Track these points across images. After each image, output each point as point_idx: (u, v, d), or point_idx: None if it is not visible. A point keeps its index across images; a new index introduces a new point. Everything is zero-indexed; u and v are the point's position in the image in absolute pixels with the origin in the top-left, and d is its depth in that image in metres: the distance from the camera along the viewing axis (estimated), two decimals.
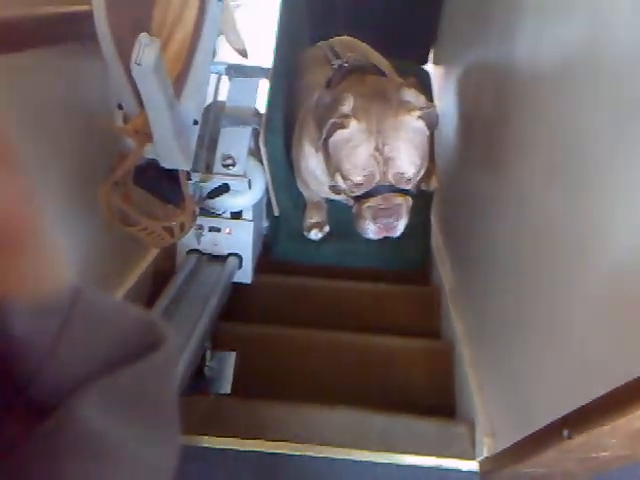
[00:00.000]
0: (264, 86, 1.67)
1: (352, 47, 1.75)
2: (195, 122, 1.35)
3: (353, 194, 1.31)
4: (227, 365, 1.66)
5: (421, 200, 1.82)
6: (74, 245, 1.43)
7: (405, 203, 1.29)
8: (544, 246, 1.05)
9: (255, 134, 1.64)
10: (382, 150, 1.21)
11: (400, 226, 1.32)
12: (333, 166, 1.32)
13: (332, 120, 1.24)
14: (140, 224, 1.38)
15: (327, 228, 1.93)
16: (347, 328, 1.76)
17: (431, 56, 2.54)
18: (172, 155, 1.25)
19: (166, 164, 1.29)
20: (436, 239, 2.08)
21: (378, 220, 1.28)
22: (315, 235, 1.92)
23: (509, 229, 1.27)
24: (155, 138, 1.22)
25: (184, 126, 1.29)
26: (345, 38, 1.86)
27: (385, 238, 1.86)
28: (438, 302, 1.89)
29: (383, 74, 1.50)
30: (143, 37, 1.02)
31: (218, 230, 1.74)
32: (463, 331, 1.58)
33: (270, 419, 1.42)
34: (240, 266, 1.77)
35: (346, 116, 1.23)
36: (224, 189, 1.51)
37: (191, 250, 1.74)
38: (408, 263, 1.95)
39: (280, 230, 1.94)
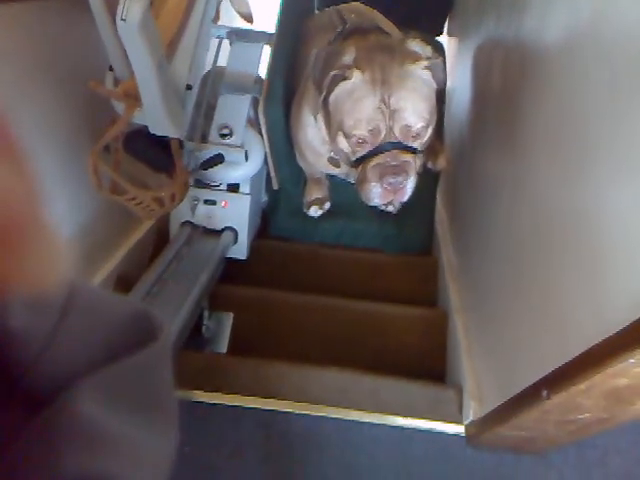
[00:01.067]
0: (267, 52, 1.59)
1: (360, 13, 1.66)
2: (188, 87, 1.28)
3: (356, 155, 1.21)
4: (224, 325, 1.67)
5: (427, 179, 1.75)
6: (70, 210, 1.39)
7: (413, 161, 1.18)
8: (531, 221, 1.09)
9: (255, 103, 1.56)
10: (388, 102, 1.11)
11: (409, 187, 1.20)
12: (335, 125, 1.22)
13: (333, 73, 1.15)
14: (128, 193, 1.32)
15: (328, 205, 1.86)
16: (345, 294, 1.74)
17: (446, 27, 2.44)
18: (161, 121, 1.18)
19: (155, 130, 1.22)
20: (439, 213, 2.05)
21: (385, 179, 1.16)
22: (315, 212, 1.85)
23: (506, 207, 1.27)
24: (143, 102, 1.14)
25: (176, 91, 1.22)
26: (354, 4, 1.75)
27: (387, 217, 1.81)
28: (436, 272, 1.87)
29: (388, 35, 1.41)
30: None
31: (214, 203, 1.67)
32: (457, 301, 1.60)
33: (263, 377, 1.44)
34: (235, 241, 1.71)
35: (348, 67, 1.14)
36: (218, 160, 1.44)
37: (185, 222, 1.68)
38: (410, 245, 1.88)
39: (279, 205, 1.87)
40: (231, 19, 1.72)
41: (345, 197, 1.82)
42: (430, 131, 1.23)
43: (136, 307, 0.47)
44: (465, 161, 1.78)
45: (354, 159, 1.23)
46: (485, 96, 1.65)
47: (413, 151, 1.19)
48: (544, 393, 0.94)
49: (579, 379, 0.84)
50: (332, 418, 1.38)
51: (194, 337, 1.51)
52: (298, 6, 1.70)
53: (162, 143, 1.33)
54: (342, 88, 1.16)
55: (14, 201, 0.30)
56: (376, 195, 1.20)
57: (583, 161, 0.88)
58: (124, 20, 0.96)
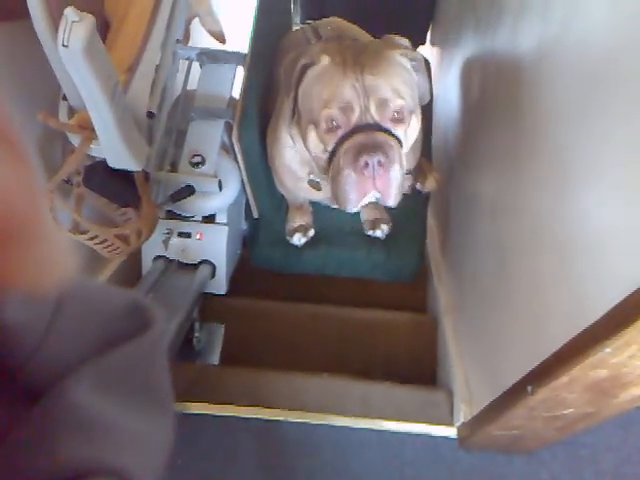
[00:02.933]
0: (240, 74, 1.49)
1: (338, 28, 1.56)
2: (150, 115, 1.17)
3: (328, 147, 1.03)
4: (215, 337, 1.67)
5: (417, 202, 1.66)
6: None
7: (395, 145, 0.99)
8: (514, 227, 1.11)
9: (228, 128, 1.45)
10: (361, 79, 0.96)
11: (392, 175, 0.98)
12: (305, 120, 1.06)
13: (301, 62, 1.01)
14: (89, 232, 1.21)
15: (312, 232, 1.74)
16: (335, 302, 1.74)
17: (428, 37, 2.40)
18: (119, 154, 1.07)
19: (114, 164, 1.11)
20: (428, 220, 1.97)
21: (360, 160, 0.95)
22: (298, 240, 1.74)
23: (489, 213, 1.30)
24: (98, 134, 1.03)
25: (135, 120, 1.11)
26: (333, 19, 1.65)
27: (374, 244, 1.71)
28: (425, 279, 1.85)
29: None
30: (69, 12, 0.84)
31: (188, 235, 1.56)
32: (447, 306, 1.61)
33: (254, 386, 1.44)
34: (213, 275, 1.60)
35: (316, 54, 1.01)
36: (188, 192, 1.33)
37: (158, 256, 1.56)
38: (400, 274, 1.76)
39: (260, 234, 1.76)
40: (203, 39, 1.63)
41: (329, 223, 1.71)
42: (415, 121, 1.06)
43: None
44: (453, 174, 1.71)
45: (327, 156, 1.05)
46: (469, 107, 1.59)
47: (395, 137, 1.00)
48: (529, 389, 0.96)
49: (560, 373, 0.86)
50: (323, 425, 1.39)
51: (185, 349, 1.54)
52: (273, 24, 1.60)
53: (126, 176, 1.22)
54: (310, 75, 1.01)
55: (14, 199, 0.30)
56: (352, 188, 0.99)
57: (559, 168, 0.90)
58: (66, 46, 0.85)
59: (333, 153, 1.02)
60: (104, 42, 1.19)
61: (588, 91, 0.81)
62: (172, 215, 1.52)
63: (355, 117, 0.97)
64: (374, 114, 0.96)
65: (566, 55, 0.89)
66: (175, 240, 1.55)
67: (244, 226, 1.83)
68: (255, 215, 1.69)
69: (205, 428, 1.39)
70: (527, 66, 1.07)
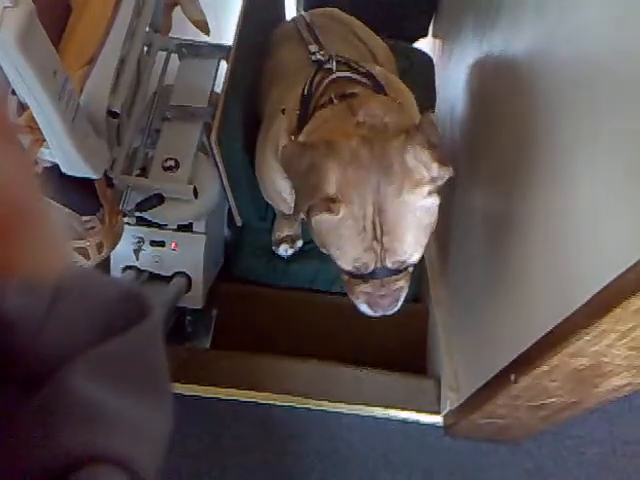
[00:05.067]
0: (223, 70, 1.35)
1: (335, 23, 1.41)
2: (113, 114, 1.03)
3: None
4: (207, 321, 1.64)
5: None
6: None
7: (406, 283, 0.99)
8: (501, 220, 1.16)
9: (208, 129, 1.31)
10: (380, 239, 0.89)
11: (400, 304, 1.03)
12: (316, 238, 0.99)
13: (311, 204, 0.89)
14: None
15: (300, 243, 1.62)
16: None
17: (431, 29, 2.28)
18: (71, 160, 0.93)
19: (68, 170, 0.97)
20: None
21: (374, 308, 1.00)
22: (285, 251, 1.61)
23: (480, 209, 1.33)
24: (45, 137, 0.90)
25: (94, 121, 0.97)
26: (327, 10, 1.50)
27: None
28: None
29: (378, 84, 1.09)
30: None
31: (162, 244, 1.42)
32: (438, 296, 1.63)
33: (243, 369, 1.44)
34: (189, 288, 1.46)
35: (332, 200, 0.87)
36: (156, 202, 1.19)
37: (128, 267, 1.42)
38: None
39: (243, 243, 1.63)
40: (185, 29, 1.48)
41: None
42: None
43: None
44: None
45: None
46: (468, 110, 1.56)
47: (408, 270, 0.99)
48: (512, 377, 0.98)
49: (542, 361, 0.88)
50: (312, 409, 1.40)
51: (177, 333, 1.57)
52: (263, 15, 1.46)
53: (85, 181, 1.08)
54: (326, 219, 0.90)
55: (12, 188, 0.30)
56: (364, 312, 1.03)
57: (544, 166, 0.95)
58: None
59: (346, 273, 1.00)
60: (64, 30, 1.06)
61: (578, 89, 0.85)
62: (144, 222, 1.38)
63: (370, 268, 0.93)
64: (390, 266, 0.93)
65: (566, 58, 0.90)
66: (147, 249, 1.41)
67: (226, 232, 1.69)
68: (238, 223, 1.56)
69: (193, 410, 1.39)
70: (524, 68, 1.09)
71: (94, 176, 0.99)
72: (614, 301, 0.69)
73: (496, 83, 1.30)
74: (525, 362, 0.95)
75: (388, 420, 1.40)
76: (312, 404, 1.39)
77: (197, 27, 1.44)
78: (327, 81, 1.06)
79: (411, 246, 0.90)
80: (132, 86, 1.19)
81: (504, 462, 1.40)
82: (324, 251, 0.96)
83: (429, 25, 2.26)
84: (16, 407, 0.37)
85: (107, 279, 0.52)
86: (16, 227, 0.31)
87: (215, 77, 1.34)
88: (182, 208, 1.29)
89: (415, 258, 0.93)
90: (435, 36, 2.27)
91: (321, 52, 1.17)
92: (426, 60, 1.82)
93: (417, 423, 1.40)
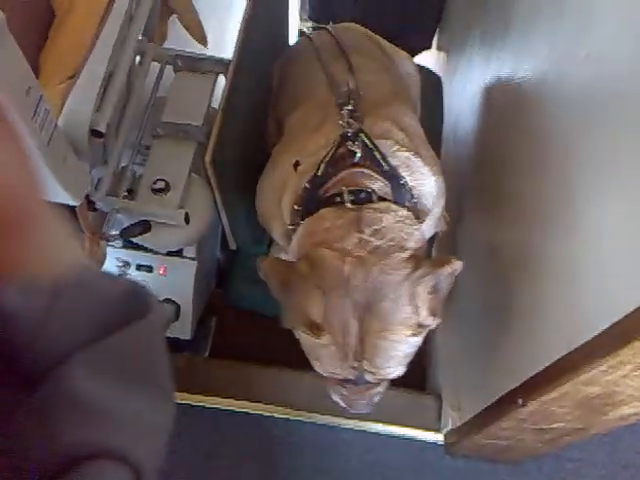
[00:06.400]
0: (221, 85, 1.25)
1: (362, 39, 1.32)
2: (97, 134, 0.93)
3: None
4: (206, 330, 1.61)
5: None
6: None
7: (384, 388, 0.97)
8: (511, 240, 1.14)
9: (202, 149, 1.21)
10: (361, 362, 0.87)
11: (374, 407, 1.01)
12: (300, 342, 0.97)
13: (294, 324, 0.88)
14: None
15: None
16: None
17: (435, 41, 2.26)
18: (47, 185, 0.83)
19: (42, 196, 0.86)
20: None
21: (349, 407, 0.99)
22: None
23: (487, 226, 1.31)
24: None
25: (74, 142, 0.87)
26: (351, 25, 1.41)
27: None
28: None
29: (399, 185, 0.98)
30: None
31: (149, 269, 1.31)
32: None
33: (241, 380, 1.44)
34: (177, 317, 1.36)
35: (316, 326, 0.84)
36: (142, 229, 1.08)
37: None
38: None
39: (237, 269, 1.52)
40: (183, 41, 1.38)
41: None
42: None
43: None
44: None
45: None
46: (478, 125, 1.51)
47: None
48: (519, 401, 0.97)
49: (553, 387, 0.87)
50: (310, 422, 1.39)
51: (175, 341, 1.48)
52: (266, 26, 1.36)
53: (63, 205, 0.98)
54: (308, 337, 0.87)
55: (11, 186, 0.30)
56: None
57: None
58: None
59: None
60: (45, 40, 0.96)
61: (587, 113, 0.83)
62: (130, 244, 1.28)
63: (350, 380, 0.92)
64: (370, 380, 0.91)
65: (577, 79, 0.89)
66: (133, 274, 1.31)
67: (219, 255, 1.59)
68: (232, 247, 1.45)
69: (189, 418, 1.37)
70: (535, 87, 1.07)
71: (73, 202, 0.88)
72: (634, 332, 0.67)
73: (504, 99, 1.28)
74: (535, 387, 0.94)
75: (388, 436, 1.39)
76: (311, 417, 1.38)
77: (194, 38, 1.34)
78: (343, 174, 0.96)
79: (392, 368, 0.89)
80: (121, 100, 1.09)
81: None
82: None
83: (433, 37, 2.22)
84: (16, 404, 0.37)
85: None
86: (15, 225, 0.30)
87: (212, 93, 1.23)
88: (172, 234, 1.18)
89: (396, 374, 0.91)
90: (439, 48, 2.23)
91: (349, 107, 1.03)
92: (435, 81, 1.73)
93: (417, 440, 1.39)
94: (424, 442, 1.39)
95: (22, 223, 0.31)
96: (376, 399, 0.98)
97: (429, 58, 2.20)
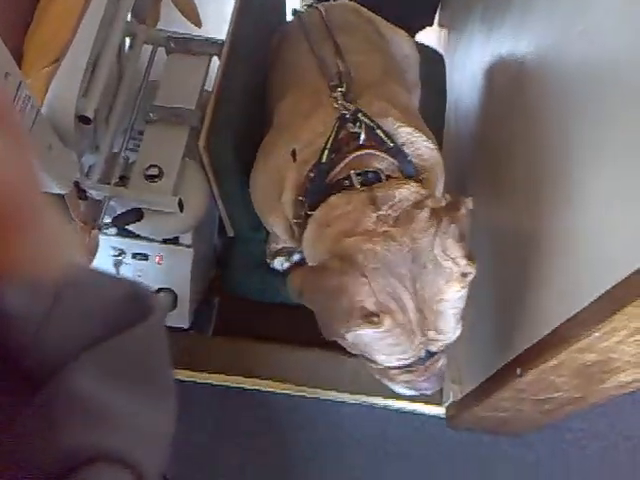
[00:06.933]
0: (215, 67, 1.21)
1: (356, 19, 1.26)
2: (84, 120, 0.90)
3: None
4: (209, 309, 1.61)
5: None
6: None
7: (445, 357, 0.95)
8: (512, 219, 1.16)
9: (196, 133, 1.18)
10: (426, 334, 0.86)
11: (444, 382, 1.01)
12: (351, 348, 0.93)
13: (352, 324, 0.83)
14: None
15: (297, 256, 1.48)
16: None
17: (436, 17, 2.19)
18: None
19: None
20: None
21: (419, 390, 0.96)
22: (281, 264, 1.47)
23: (485, 207, 1.28)
24: None
25: (59, 129, 0.84)
26: (346, 3, 1.36)
27: None
28: None
29: (405, 159, 0.96)
30: None
31: (145, 257, 1.29)
32: None
33: (246, 357, 1.45)
34: (174, 306, 1.34)
35: (372, 314, 0.81)
36: (135, 216, 1.06)
37: None
38: None
39: (234, 256, 1.49)
40: (175, 21, 1.34)
41: None
42: None
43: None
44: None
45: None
46: (479, 102, 1.50)
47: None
48: (518, 371, 0.98)
49: (550, 355, 0.88)
50: (313, 398, 1.41)
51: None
52: (260, 4, 1.32)
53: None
54: (367, 332, 0.84)
55: (10, 182, 0.29)
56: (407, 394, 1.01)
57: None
58: None
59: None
60: (29, 24, 0.92)
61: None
62: (125, 232, 1.25)
63: (417, 361, 0.90)
64: (434, 351, 0.90)
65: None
66: (129, 263, 1.29)
67: (216, 241, 1.56)
68: (230, 233, 1.43)
69: (196, 397, 1.39)
70: (535, 63, 1.07)
71: (60, 191, 0.86)
72: (627, 298, 0.69)
73: (504, 77, 1.28)
74: (532, 356, 0.96)
75: (390, 410, 1.40)
76: (314, 393, 1.39)
77: (187, 18, 1.30)
78: (350, 159, 0.92)
79: (454, 328, 0.88)
80: (111, 85, 1.05)
81: (505, 454, 1.41)
82: (354, 352, 0.92)
83: (435, 14, 2.15)
84: (17, 407, 0.37)
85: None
86: (15, 223, 0.30)
87: (206, 76, 1.20)
88: (166, 221, 1.16)
89: (456, 335, 0.90)
90: (441, 25, 2.19)
91: (342, 89, 1.00)
92: (438, 59, 1.68)
93: (419, 414, 1.40)
94: (426, 415, 1.40)
95: (22, 221, 0.30)
96: (444, 370, 0.96)
97: (431, 35, 2.15)
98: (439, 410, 1.39)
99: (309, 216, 0.93)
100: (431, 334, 0.85)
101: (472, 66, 1.59)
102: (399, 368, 0.90)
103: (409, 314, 0.82)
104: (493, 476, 1.44)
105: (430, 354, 0.88)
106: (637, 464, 1.45)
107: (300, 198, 0.96)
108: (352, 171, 0.90)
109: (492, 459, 1.41)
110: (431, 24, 2.15)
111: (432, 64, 1.64)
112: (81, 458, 0.35)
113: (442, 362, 0.93)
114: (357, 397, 1.40)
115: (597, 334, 0.77)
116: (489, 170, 1.35)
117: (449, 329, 0.86)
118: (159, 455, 0.43)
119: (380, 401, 1.40)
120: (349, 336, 0.85)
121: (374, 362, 0.91)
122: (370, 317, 0.80)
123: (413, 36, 1.82)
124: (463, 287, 0.84)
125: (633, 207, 0.72)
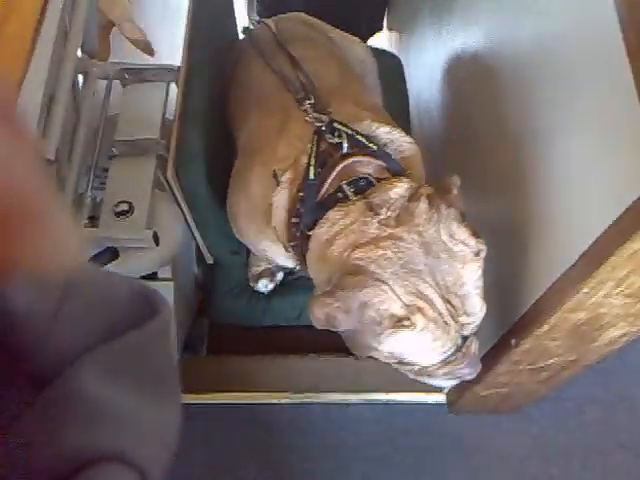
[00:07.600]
0: (173, 93, 1.18)
1: (307, 30, 1.26)
2: (46, 162, 0.86)
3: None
4: (201, 331, 1.60)
5: None
6: None
7: (476, 338, 0.93)
8: (499, 186, 1.17)
9: (164, 163, 1.15)
10: (459, 320, 0.86)
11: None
12: (387, 359, 0.90)
13: (381, 336, 0.82)
14: None
15: (280, 275, 1.45)
16: None
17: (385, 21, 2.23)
18: None
19: None
20: None
21: (461, 377, 0.94)
22: (265, 286, 1.44)
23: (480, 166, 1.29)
24: None
25: None
26: (294, 15, 1.34)
27: None
28: None
29: (390, 159, 0.95)
30: None
31: None
32: None
33: (242, 373, 1.45)
34: None
35: (404, 317, 0.81)
36: (109, 256, 1.02)
37: None
38: None
39: (217, 284, 1.45)
40: (128, 53, 1.31)
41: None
42: None
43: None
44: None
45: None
46: (438, 97, 1.55)
47: None
48: (512, 342, 1.01)
49: (541, 321, 0.91)
50: (315, 403, 1.42)
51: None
52: (213, 26, 1.30)
53: None
54: (401, 336, 0.82)
55: (17, 181, 0.29)
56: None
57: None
58: None
59: None
60: None
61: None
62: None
63: (455, 350, 0.89)
64: (467, 334, 0.89)
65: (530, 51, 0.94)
66: None
67: (196, 270, 1.52)
68: (209, 261, 1.39)
69: (198, 417, 1.38)
70: (486, 53, 1.12)
71: None
72: (608, 249, 0.71)
73: (461, 70, 1.32)
74: (525, 325, 0.97)
75: (393, 404, 1.41)
76: (316, 398, 1.40)
77: (138, 47, 1.28)
78: (339, 169, 0.91)
79: (481, 306, 0.88)
80: (70, 124, 1.02)
81: (508, 430, 1.44)
82: (390, 362, 0.90)
83: (383, 18, 2.19)
84: (23, 406, 0.37)
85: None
86: (22, 222, 0.30)
87: (166, 103, 1.17)
88: (143, 257, 1.12)
89: (484, 312, 0.89)
90: (390, 29, 2.21)
91: (310, 101, 0.99)
92: (395, 62, 1.68)
93: (422, 403, 1.42)
94: (429, 404, 1.42)
95: (28, 221, 0.30)
96: (479, 356, 0.94)
97: (382, 39, 2.17)
98: (440, 397, 1.41)
99: (308, 236, 0.90)
100: (463, 319, 0.85)
101: (428, 64, 1.60)
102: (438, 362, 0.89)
103: (438, 307, 0.81)
104: (500, 454, 1.45)
105: (464, 339, 0.88)
106: (634, 422, 1.49)
107: (294, 220, 0.94)
108: (343, 182, 0.88)
109: (496, 436, 1.44)
110: (381, 28, 2.19)
111: (390, 67, 1.65)
112: (86, 459, 0.35)
113: (475, 344, 0.92)
114: (358, 395, 1.41)
115: (585, 290, 0.78)
116: (459, 161, 1.36)
117: (477, 309, 0.86)
118: (164, 454, 0.43)
119: (382, 397, 1.41)
120: (384, 347, 0.84)
121: (414, 365, 0.89)
122: (401, 321, 0.79)
123: (365, 41, 1.83)
124: (479, 266, 0.84)
125: (602, 167, 0.75)
